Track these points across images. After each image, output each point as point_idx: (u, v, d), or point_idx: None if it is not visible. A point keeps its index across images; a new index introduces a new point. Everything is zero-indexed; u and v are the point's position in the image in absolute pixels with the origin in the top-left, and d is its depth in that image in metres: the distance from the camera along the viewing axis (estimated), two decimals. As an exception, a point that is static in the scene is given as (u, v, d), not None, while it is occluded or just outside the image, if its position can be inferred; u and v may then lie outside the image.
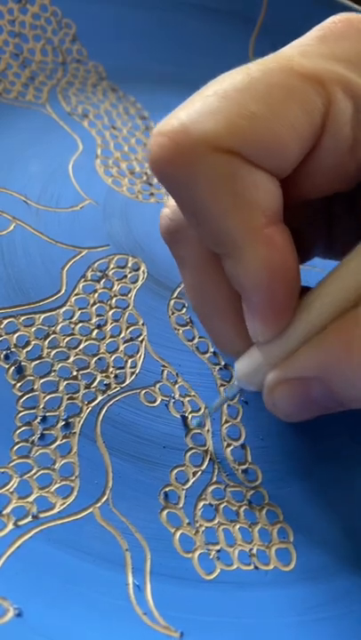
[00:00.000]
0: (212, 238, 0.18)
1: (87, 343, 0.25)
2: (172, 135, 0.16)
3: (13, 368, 0.23)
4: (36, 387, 0.23)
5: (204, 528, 0.21)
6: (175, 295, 0.28)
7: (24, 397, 0.23)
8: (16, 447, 0.22)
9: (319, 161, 0.18)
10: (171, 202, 0.21)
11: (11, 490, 0.20)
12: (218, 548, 0.21)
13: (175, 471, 0.22)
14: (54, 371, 0.24)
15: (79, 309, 0.26)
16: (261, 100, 0.16)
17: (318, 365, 0.18)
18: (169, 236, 0.21)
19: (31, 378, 0.23)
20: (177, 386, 0.25)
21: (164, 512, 0.21)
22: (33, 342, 0.24)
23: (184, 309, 0.27)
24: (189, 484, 0.22)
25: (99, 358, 0.25)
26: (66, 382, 0.24)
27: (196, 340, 0.26)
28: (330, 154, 0.18)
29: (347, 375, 0.17)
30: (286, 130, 0.17)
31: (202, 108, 0.16)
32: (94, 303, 0.26)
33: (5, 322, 0.25)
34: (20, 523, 0.20)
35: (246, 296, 0.18)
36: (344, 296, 0.18)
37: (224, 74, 0.17)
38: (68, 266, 0.27)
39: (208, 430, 0.24)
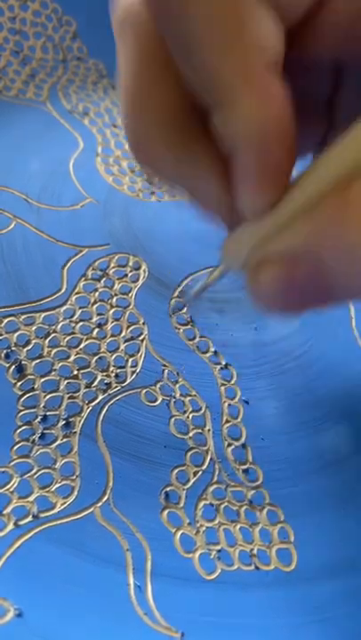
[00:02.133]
0: (202, 80, 0.15)
1: (88, 342, 0.25)
2: None
3: (14, 367, 0.23)
4: (36, 386, 0.23)
5: (204, 528, 0.21)
6: (176, 294, 0.28)
7: (24, 396, 0.23)
8: (16, 446, 0.21)
9: (333, 6, 0.15)
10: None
11: (11, 489, 0.20)
12: (218, 548, 0.21)
13: (176, 471, 0.22)
14: (55, 370, 0.24)
15: (80, 308, 0.26)
16: None
17: (306, 238, 0.15)
18: (121, 19, 0.18)
19: (32, 377, 0.23)
20: (178, 385, 0.24)
21: (165, 512, 0.21)
22: (33, 341, 0.24)
23: (185, 309, 0.27)
24: (190, 483, 0.22)
25: (99, 357, 0.25)
26: (66, 381, 0.24)
27: (196, 340, 0.26)
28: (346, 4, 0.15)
29: (337, 247, 0.15)
30: None
31: None
32: (95, 302, 0.26)
33: (6, 320, 0.25)
34: (21, 522, 0.20)
35: (237, 156, 0.16)
36: (344, 166, 0.15)
37: None
38: (68, 264, 0.27)
39: (209, 430, 0.24)
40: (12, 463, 0.21)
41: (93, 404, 0.23)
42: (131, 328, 0.26)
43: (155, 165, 0.18)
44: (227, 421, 0.24)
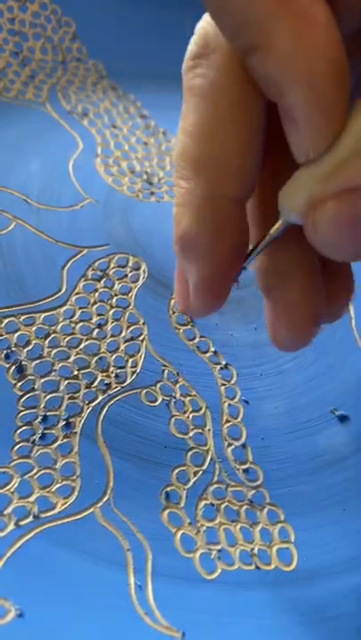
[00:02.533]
0: (238, 21, 0.14)
1: (88, 342, 0.25)
2: None
3: (14, 367, 0.23)
4: (36, 386, 0.23)
5: (205, 528, 0.21)
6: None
7: (25, 397, 0.23)
8: (17, 447, 0.21)
9: None
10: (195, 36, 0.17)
11: (12, 490, 0.20)
12: (219, 547, 0.21)
13: (176, 471, 0.22)
14: (55, 370, 0.24)
15: (80, 309, 0.26)
16: None
17: None
18: (192, 61, 0.17)
19: (32, 377, 0.23)
20: (178, 385, 0.25)
21: (166, 512, 0.21)
22: (33, 341, 0.24)
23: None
24: (190, 483, 0.22)
25: (99, 358, 0.25)
26: (66, 382, 0.24)
27: (196, 340, 0.26)
28: None
29: None
30: None
31: None
32: (95, 302, 0.26)
33: (6, 321, 0.25)
34: (22, 523, 0.20)
35: (284, 98, 0.15)
36: None
37: None
38: (68, 265, 0.27)
39: (209, 430, 0.24)
40: (13, 463, 0.21)
41: (94, 404, 0.23)
42: (131, 328, 0.26)
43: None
44: (227, 421, 0.24)
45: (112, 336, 0.25)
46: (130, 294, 0.27)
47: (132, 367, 0.25)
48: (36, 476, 0.21)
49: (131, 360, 0.25)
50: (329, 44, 0.14)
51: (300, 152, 0.15)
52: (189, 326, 0.27)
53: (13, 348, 0.24)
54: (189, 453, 0.23)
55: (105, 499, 0.21)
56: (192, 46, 0.18)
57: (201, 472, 0.22)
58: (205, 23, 0.17)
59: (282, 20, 0.13)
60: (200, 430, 0.24)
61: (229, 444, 0.23)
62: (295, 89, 0.14)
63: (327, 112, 0.14)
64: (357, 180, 0.15)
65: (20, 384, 0.23)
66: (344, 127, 0.15)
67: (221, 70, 0.16)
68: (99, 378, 0.24)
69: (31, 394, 0.23)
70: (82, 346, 0.25)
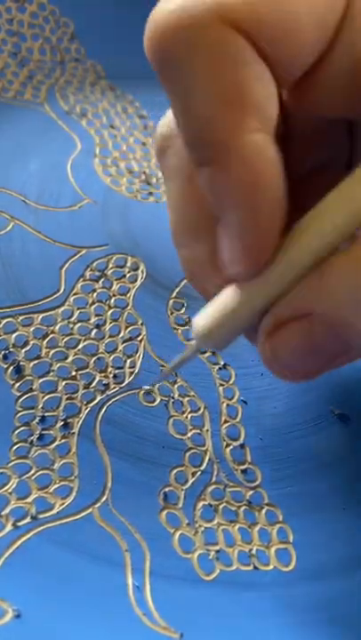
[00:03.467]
0: (194, 135, 0.15)
1: (86, 343, 0.25)
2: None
3: (12, 368, 0.23)
4: (34, 387, 0.23)
5: (203, 528, 0.21)
6: (174, 295, 0.28)
7: (23, 397, 0.23)
8: (15, 447, 0.21)
9: (333, 64, 0.15)
10: (167, 114, 0.19)
11: (9, 490, 0.20)
12: (217, 548, 0.21)
13: (174, 471, 0.22)
14: (53, 370, 0.24)
15: (78, 309, 0.26)
16: None
17: (324, 295, 0.15)
18: (160, 145, 0.19)
19: (30, 378, 0.23)
20: (176, 386, 0.24)
21: (164, 512, 0.21)
22: (32, 342, 0.24)
23: (183, 309, 0.27)
24: (189, 484, 0.22)
25: (98, 358, 0.25)
26: (65, 382, 0.24)
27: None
28: (345, 55, 0.15)
29: (354, 303, 0.15)
30: (308, 17, 0.14)
31: None
32: (93, 303, 0.26)
33: (4, 321, 0.25)
34: (19, 523, 0.20)
35: (225, 214, 0.15)
36: (335, 232, 0.15)
37: None
38: (66, 265, 0.27)
39: (208, 430, 0.24)
40: (11, 464, 0.21)
41: (92, 404, 0.23)
42: (129, 329, 0.26)
43: (207, 289, 0.19)
44: (225, 422, 0.24)
45: (110, 336, 0.25)
46: (128, 295, 0.27)
47: (130, 367, 0.25)
48: (34, 477, 0.21)
49: (129, 360, 0.25)
50: (275, 182, 0.15)
51: (231, 267, 0.16)
52: (188, 327, 0.27)
53: (11, 349, 0.24)
54: (188, 454, 0.23)
55: (103, 499, 0.21)
56: (161, 128, 0.19)
57: (199, 472, 0.22)
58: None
59: (239, 147, 0.14)
60: (198, 431, 0.23)
61: (228, 445, 0.23)
62: (236, 207, 0.15)
63: (262, 239, 0.15)
64: (309, 306, 0.15)
65: (18, 384, 0.23)
66: (278, 255, 0.15)
67: (181, 165, 0.18)
68: (97, 378, 0.24)
69: (29, 394, 0.23)
70: (80, 346, 0.25)
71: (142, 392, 0.24)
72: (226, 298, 0.17)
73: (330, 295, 0.15)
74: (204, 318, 0.17)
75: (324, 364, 0.17)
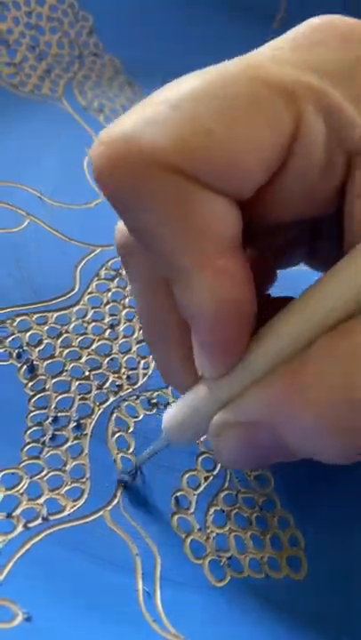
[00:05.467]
0: (159, 262, 0.16)
1: (100, 343, 0.25)
2: (112, 146, 0.14)
3: (25, 367, 0.23)
4: (47, 386, 0.23)
5: (215, 534, 0.21)
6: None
7: (36, 397, 0.23)
8: (27, 447, 0.21)
9: (286, 184, 0.16)
10: (121, 223, 0.19)
11: (21, 491, 0.20)
12: (229, 555, 0.21)
13: (187, 475, 0.22)
14: (66, 370, 0.24)
15: (92, 308, 0.26)
16: (220, 113, 0.14)
17: (264, 408, 0.16)
18: (122, 250, 0.19)
19: (43, 377, 0.23)
20: (190, 388, 0.24)
21: (175, 517, 0.21)
22: (45, 341, 0.24)
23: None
24: (201, 488, 0.22)
25: (111, 359, 0.24)
26: (78, 382, 0.23)
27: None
28: (298, 177, 0.15)
29: (295, 422, 0.15)
30: (248, 150, 0.14)
31: (150, 116, 0.14)
32: (107, 302, 0.26)
33: (18, 319, 0.24)
34: (30, 525, 0.20)
35: (193, 327, 0.17)
36: (298, 337, 0.16)
37: (181, 77, 0.15)
38: (81, 264, 0.27)
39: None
40: (23, 464, 0.21)
41: (105, 405, 0.23)
42: (143, 329, 0.26)
43: (181, 386, 0.19)
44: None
45: (124, 337, 0.25)
46: (143, 295, 0.27)
47: (143, 369, 0.24)
48: (45, 478, 0.21)
49: (143, 362, 0.25)
50: (239, 298, 0.15)
51: (201, 369, 0.17)
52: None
53: (25, 348, 0.24)
54: (200, 458, 0.23)
55: (114, 502, 0.21)
56: (119, 235, 0.19)
57: (212, 477, 0.22)
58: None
59: (200, 274, 0.15)
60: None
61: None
62: (202, 324, 0.16)
63: (226, 349, 0.16)
64: (252, 415, 0.16)
65: (31, 384, 0.23)
66: (243, 359, 0.16)
67: (145, 274, 0.19)
68: (110, 379, 0.24)
69: (42, 394, 0.23)
70: (94, 346, 0.25)
71: (155, 394, 0.24)
72: (193, 396, 0.18)
73: (271, 411, 0.16)
74: (172, 414, 0.18)
75: (265, 462, 0.18)
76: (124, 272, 0.27)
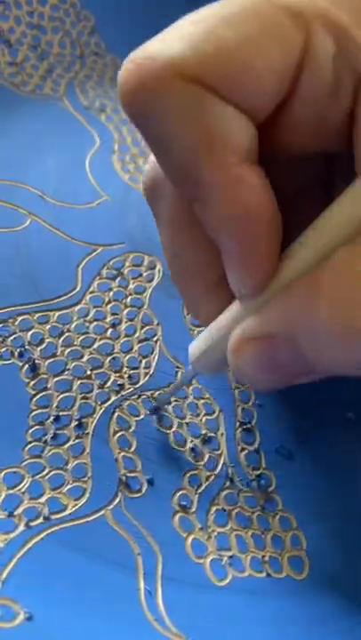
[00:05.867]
0: (179, 178, 0.17)
1: (101, 342, 0.25)
2: (138, 61, 0.15)
3: (27, 366, 0.23)
4: (49, 385, 0.23)
5: (216, 533, 0.21)
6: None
7: (37, 396, 0.23)
8: (28, 446, 0.21)
9: (297, 108, 0.16)
10: (152, 157, 0.20)
11: (22, 490, 0.20)
12: (230, 554, 0.21)
13: (188, 475, 0.22)
14: (68, 369, 0.24)
15: (94, 307, 0.26)
16: (234, 26, 0.15)
17: (283, 319, 0.16)
18: (149, 191, 0.20)
19: (45, 376, 0.23)
20: (191, 388, 0.24)
21: (177, 516, 0.21)
22: (47, 340, 0.24)
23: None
24: (202, 488, 0.22)
25: (113, 358, 0.24)
26: (79, 381, 0.23)
27: (211, 342, 0.26)
28: (309, 100, 0.16)
29: (313, 331, 0.15)
30: (261, 63, 0.15)
31: (172, 33, 0.15)
32: (109, 302, 0.26)
33: (20, 318, 0.24)
34: (32, 524, 0.20)
35: (221, 243, 0.17)
36: (324, 247, 0.16)
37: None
38: (83, 263, 0.27)
39: (222, 434, 0.23)
40: (24, 463, 0.21)
41: (106, 404, 0.23)
42: (145, 329, 0.26)
43: (205, 317, 0.20)
44: (240, 425, 0.24)
45: (126, 336, 0.25)
46: (144, 294, 0.27)
47: (145, 368, 0.24)
48: (47, 477, 0.21)
49: (144, 361, 0.25)
50: (262, 206, 0.16)
51: (233, 287, 0.17)
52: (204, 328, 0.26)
53: (27, 346, 0.24)
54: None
55: (116, 501, 0.21)
56: (147, 172, 0.20)
57: (213, 477, 0.22)
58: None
59: (220, 184, 0.15)
60: (213, 434, 0.23)
61: (243, 449, 0.23)
62: (229, 238, 0.16)
63: (259, 261, 0.16)
64: (271, 327, 0.16)
65: (32, 383, 0.23)
66: (275, 272, 0.16)
67: (170, 211, 0.20)
68: (112, 378, 0.24)
69: (44, 393, 0.23)
70: (95, 345, 0.25)
71: (157, 393, 0.24)
72: (217, 324, 0.18)
73: (289, 321, 0.16)
74: (197, 344, 0.19)
75: (287, 380, 0.18)
76: (125, 271, 0.27)
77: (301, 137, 0.17)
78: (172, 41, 0.15)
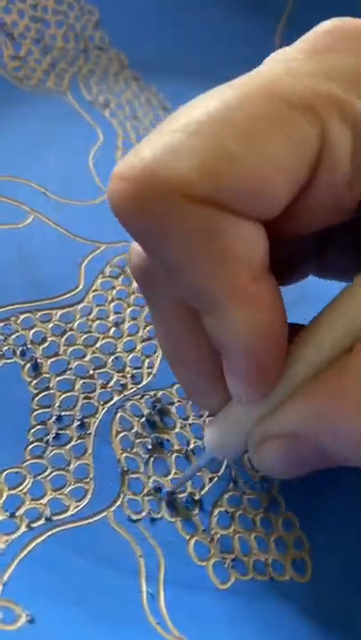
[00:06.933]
0: (188, 295, 0.16)
1: (104, 341, 0.25)
2: (135, 180, 0.13)
3: (29, 365, 0.23)
4: (51, 385, 0.23)
5: (219, 536, 0.21)
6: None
7: (39, 395, 0.22)
8: (30, 446, 0.21)
9: (311, 199, 0.15)
10: (135, 245, 0.19)
11: (24, 491, 0.20)
12: (233, 556, 0.20)
13: (191, 476, 0.22)
14: (70, 369, 0.23)
15: (97, 306, 0.25)
16: (241, 134, 0.14)
17: (307, 420, 0.16)
18: (141, 276, 0.18)
19: (47, 375, 0.23)
20: (194, 388, 0.24)
21: (179, 518, 0.21)
22: (49, 339, 0.24)
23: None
24: (205, 489, 0.22)
25: (116, 357, 0.24)
26: (82, 381, 0.23)
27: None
28: (324, 192, 0.15)
29: (338, 431, 0.15)
30: (273, 170, 0.14)
31: (170, 145, 0.14)
32: (112, 300, 0.26)
33: (22, 317, 0.24)
34: (34, 525, 0.19)
35: (228, 358, 0.16)
36: (333, 347, 0.16)
37: (194, 100, 0.15)
38: (86, 261, 0.27)
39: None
40: (26, 463, 0.21)
41: (109, 404, 0.23)
42: (148, 328, 0.25)
43: (211, 406, 0.20)
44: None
45: (129, 335, 0.25)
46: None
47: (148, 368, 0.24)
48: (48, 478, 0.21)
49: (147, 361, 0.24)
50: (274, 325, 0.15)
51: (237, 396, 0.17)
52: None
53: (29, 345, 0.24)
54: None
55: (118, 502, 0.21)
56: (135, 259, 0.18)
57: (216, 478, 0.22)
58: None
59: (235, 304, 0.15)
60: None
61: (246, 451, 0.23)
62: (238, 355, 0.16)
63: (264, 376, 0.16)
64: (294, 427, 0.16)
65: (35, 382, 0.23)
66: (281, 376, 0.16)
67: (167, 300, 0.18)
68: (115, 378, 0.24)
69: (46, 392, 0.23)
70: (98, 344, 0.24)
71: (160, 393, 0.24)
72: (231, 412, 0.18)
73: (313, 422, 0.16)
74: (212, 431, 0.19)
75: (308, 470, 0.18)
76: (128, 270, 0.27)
77: (312, 222, 0.16)
78: (172, 155, 0.13)
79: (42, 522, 0.20)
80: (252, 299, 0.15)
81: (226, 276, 0.14)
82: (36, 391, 0.23)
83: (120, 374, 0.24)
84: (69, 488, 0.21)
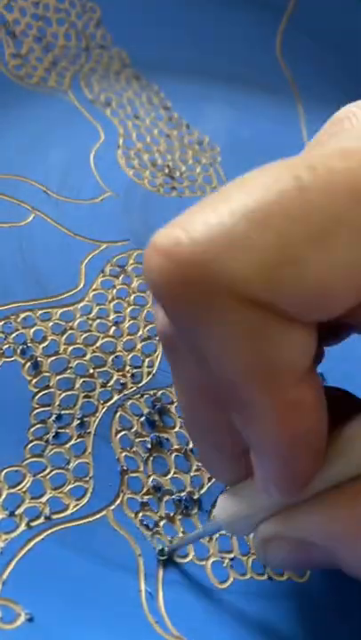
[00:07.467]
0: (220, 390, 0.14)
1: (104, 340, 0.25)
2: (180, 263, 0.12)
3: (30, 363, 0.23)
4: (51, 383, 0.23)
5: (218, 535, 0.21)
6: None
7: (39, 394, 0.22)
8: (30, 445, 0.21)
9: None
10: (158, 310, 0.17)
11: (24, 489, 0.20)
12: (232, 556, 0.21)
13: (190, 475, 0.22)
14: (70, 368, 0.23)
15: (97, 305, 0.25)
16: (310, 236, 0.12)
17: (322, 533, 0.15)
18: (166, 341, 0.16)
19: (47, 374, 0.23)
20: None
21: (178, 517, 0.21)
22: (50, 337, 0.24)
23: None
24: (205, 489, 0.22)
25: (116, 356, 0.24)
26: (82, 380, 0.23)
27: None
28: None
29: (357, 546, 0.15)
30: (342, 279, 0.12)
31: (226, 232, 0.12)
32: (112, 299, 0.26)
33: (22, 315, 0.24)
34: (33, 524, 0.19)
35: (259, 458, 0.15)
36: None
37: (252, 173, 0.13)
38: (87, 260, 0.27)
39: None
40: (26, 462, 0.21)
41: (109, 403, 0.23)
42: (148, 327, 0.25)
43: (226, 481, 0.19)
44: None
45: (129, 334, 0.25)
46: (148, 292, 0.27)
47: (148, 367, 0.24)
48: (48, 476, 0.21)
49: (147, 360, 0.24)
50: (313, 430, 0.14)
51: (263, 489, 0.16)
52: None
53: (29, 344, 0.24)
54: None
55: (117, 501, 0.21)
56: (163, 329, 0.16)
57: (216, 478, 0.22)
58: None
59: (273, 408, 0.13)
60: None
61: (245, 450, 0.23)
62: (271, 460, 0.14)
63: (297, 483, 0.15)
64: (309, 536, 0.16)
65: (35, 381, 0.23)
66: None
67: (193, 374, 0.16)
68: (115, 377, 0.24)
69: (46, 391, 0.23)
70: (98, 343, 0.24)
71: (160, 393, 0.24)
72: (246, 493, 0.17)
73: (330, 535, 0.15)
74: (225, 506, 0.17)
75: (311, 568, 0.18)
76: (129, 269, 0.27)
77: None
78: (231, 245, 0.12)
79: (41, 520, 0.20)
80: (293, 404, 0.13)
81: (265, 379, 0.13)
82: (35, 390, 0.23)
83: (120, 373, 0.24)
84: (69, 487, 0.21)
